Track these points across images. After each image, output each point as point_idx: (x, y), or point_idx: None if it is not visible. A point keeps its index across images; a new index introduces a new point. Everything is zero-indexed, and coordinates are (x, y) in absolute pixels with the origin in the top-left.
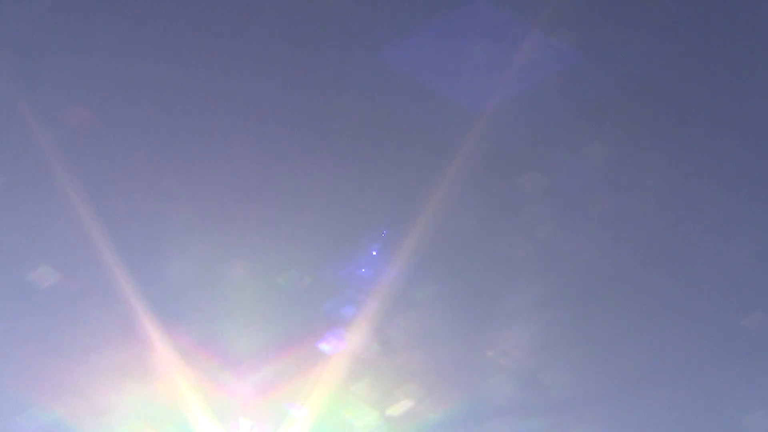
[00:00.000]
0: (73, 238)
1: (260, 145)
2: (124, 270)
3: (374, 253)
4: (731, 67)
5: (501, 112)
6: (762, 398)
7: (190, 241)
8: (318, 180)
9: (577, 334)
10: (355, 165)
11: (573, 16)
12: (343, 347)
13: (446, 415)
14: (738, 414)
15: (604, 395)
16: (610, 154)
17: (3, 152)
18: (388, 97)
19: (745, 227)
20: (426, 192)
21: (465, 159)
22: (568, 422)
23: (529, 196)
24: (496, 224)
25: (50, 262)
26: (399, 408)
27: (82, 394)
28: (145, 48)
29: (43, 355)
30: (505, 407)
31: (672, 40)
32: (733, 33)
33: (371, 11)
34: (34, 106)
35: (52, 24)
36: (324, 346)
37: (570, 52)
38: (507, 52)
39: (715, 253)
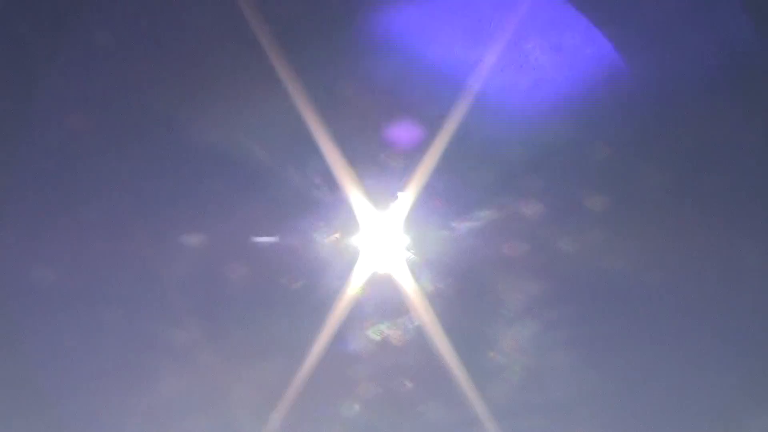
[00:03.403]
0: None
1: None
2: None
3: None
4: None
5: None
6: (764, 400)
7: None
8: None
9: (580, 335)
10: None
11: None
12: None
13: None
14: (739, 415)
15: (604, 395)
16: (611, 154)
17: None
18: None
19: (748, 228)
20: None
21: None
22: (569, 422)
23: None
24: (500, 225)
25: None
26: None
27: None
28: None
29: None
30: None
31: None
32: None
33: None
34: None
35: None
36: None
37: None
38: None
39: (717, 253)
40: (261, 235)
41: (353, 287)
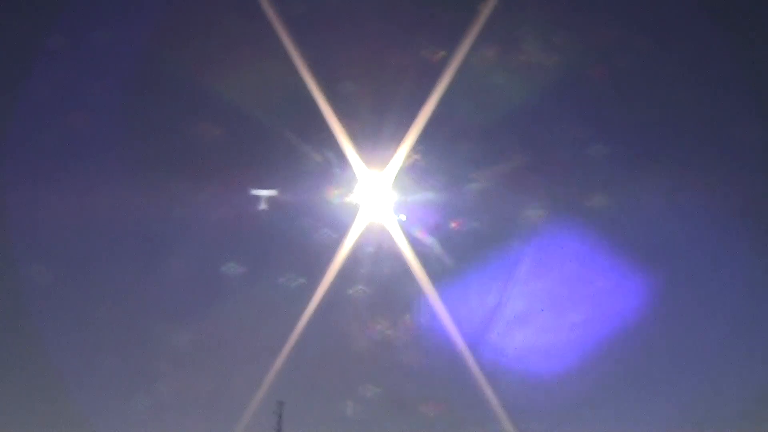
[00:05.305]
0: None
1: None
2: None
3: None
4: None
5: None
6: (763, 403)
7: None
8: None
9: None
10: None
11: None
12: None
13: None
14: (739, 415)
15: (605, 395)
16: (612, 155)
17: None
18: None
19: (746, 229)
20: None
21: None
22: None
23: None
24: (503, 232)
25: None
26: None
27: None
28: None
29: None
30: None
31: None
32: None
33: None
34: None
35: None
36: None
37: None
38: None
39: (717, 254)
40: (261, 191)
41: (349, 243)
